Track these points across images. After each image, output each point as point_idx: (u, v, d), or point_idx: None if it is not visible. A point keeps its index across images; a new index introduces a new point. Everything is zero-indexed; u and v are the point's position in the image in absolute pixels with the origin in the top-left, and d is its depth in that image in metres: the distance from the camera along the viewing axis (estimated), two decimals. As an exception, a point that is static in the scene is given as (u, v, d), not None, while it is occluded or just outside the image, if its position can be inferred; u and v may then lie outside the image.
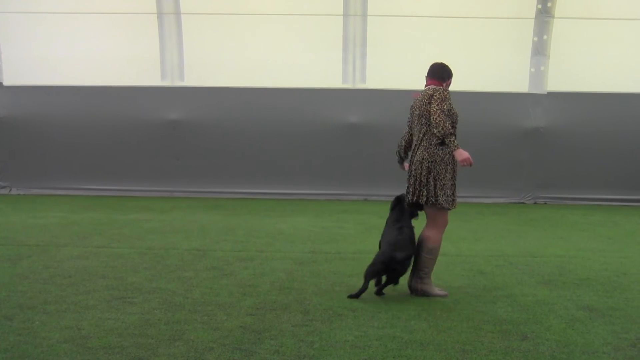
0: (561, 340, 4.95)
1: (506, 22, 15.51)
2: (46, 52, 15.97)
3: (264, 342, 4.77)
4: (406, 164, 6.66)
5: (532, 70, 15.60)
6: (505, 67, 15.74)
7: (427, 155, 6.23)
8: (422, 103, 6.31)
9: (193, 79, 15.94)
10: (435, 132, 6.14)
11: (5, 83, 16.18)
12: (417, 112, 6.37)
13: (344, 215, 12.69)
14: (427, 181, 6.21)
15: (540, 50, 15.46)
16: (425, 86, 6.44)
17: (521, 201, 15.82)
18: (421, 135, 6.31)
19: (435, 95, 6.21)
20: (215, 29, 15.80)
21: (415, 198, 6.31)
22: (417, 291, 6.30)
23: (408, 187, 6.40)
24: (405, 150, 6.70)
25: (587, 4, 15.44)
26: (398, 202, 6.65)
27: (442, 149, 6.24)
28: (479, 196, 15.63)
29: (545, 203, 15.78)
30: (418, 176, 6.25)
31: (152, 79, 15.93)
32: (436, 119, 6.13)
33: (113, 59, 15.87)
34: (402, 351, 4.64)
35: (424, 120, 6.29)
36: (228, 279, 6.87)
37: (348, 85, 15.76)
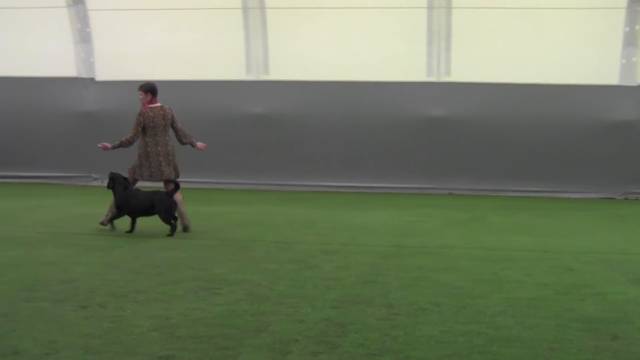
0: (654, 341, 4.80)
1: (596, 13, 15.08)
2: (135, 48, 16.39)
3: (348, 335, 4.78)
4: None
5: (623, 61, 15.14)
6: (595, 58, 15.33)
7: (172, 148, 9.52)
8: (165, 118, 9.47)
9: (278, 72, 16.10)
10: (185, 140, 9.73)
11: (98, 78, 16.68)
12: (163, 123, 9.40)
13: (427, 209, 12.60)
14: (175, 162, 9.53)
15: (631, 40, 14.99)
16: (156, 103, 9.48)
17: (611, 197, 15.39)
18: (167, 137, 9.48)
19: (175, 115, 9.62)
20: (300, 23, 15.92)
21: (175, 174, 9.45)
22: (188, 227, 9.35)
23: (164, 167, 9.34)
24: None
25: (682, -9, 14.89)
26: (113, 180, 9.44)
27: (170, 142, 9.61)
28: (566, 191, 15.30)
29: (636, 199, 15.31)
30: (172, 160, 9.46)
31: (237, 73, 16.17)
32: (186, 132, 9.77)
33: (199, 54, 16.18)
34: (487, 347, 4.58)
35: (168, 128, 9.51)
36: (312, 271, 6.91)
37: (433, 79, 15.63)
